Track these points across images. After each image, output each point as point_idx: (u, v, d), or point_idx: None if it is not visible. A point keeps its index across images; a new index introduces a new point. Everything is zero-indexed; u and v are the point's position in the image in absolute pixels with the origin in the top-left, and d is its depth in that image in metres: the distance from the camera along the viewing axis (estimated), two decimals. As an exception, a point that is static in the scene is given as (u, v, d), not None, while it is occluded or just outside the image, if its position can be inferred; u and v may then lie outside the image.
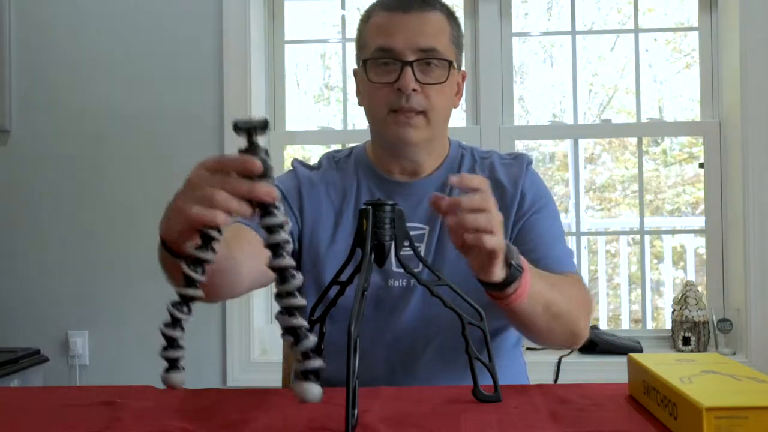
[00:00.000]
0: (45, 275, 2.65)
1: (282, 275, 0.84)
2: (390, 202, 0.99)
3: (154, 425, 0.93)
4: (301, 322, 0.84)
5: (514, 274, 1.05)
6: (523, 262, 1.08)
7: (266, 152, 0.85)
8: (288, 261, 0.84)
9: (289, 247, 0.85)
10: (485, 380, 1.02)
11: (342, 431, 0.87)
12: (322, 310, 1.06)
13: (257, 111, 2.67)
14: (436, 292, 1.01)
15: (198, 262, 0.86)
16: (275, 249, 0.84)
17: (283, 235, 0.85)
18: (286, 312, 0.84)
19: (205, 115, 2.63)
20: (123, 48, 2.66)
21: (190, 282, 0.86)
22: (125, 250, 2.63)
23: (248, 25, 2.62)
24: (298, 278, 0.84)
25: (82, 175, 2.66)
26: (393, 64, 1.30)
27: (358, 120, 2.86)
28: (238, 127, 0.84)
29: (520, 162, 1.39)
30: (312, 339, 0.83)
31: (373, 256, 0.98)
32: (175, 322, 0.85)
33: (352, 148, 1.47)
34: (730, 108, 2.61)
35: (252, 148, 0.85)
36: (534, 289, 1.09)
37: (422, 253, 1.27)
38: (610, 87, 4.74)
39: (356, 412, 0.87)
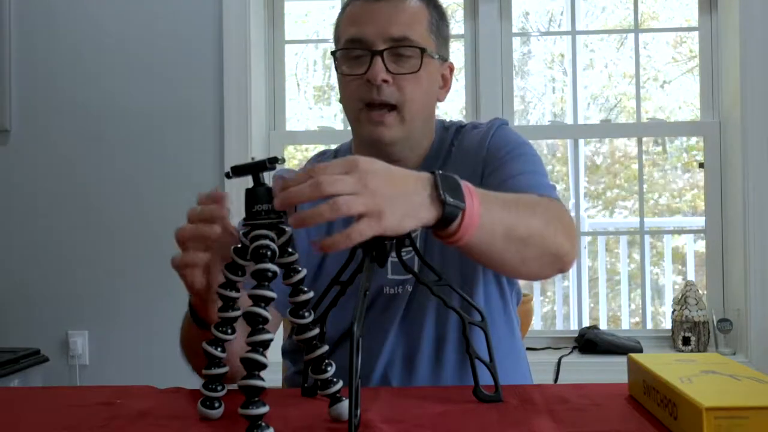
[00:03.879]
0: (45, 275, 2.65)
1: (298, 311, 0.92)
2: None
3: (154, 425, 0.93)
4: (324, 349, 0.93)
5: (451, 212, 0.89)
6: (470, 190, 0.93)
7: (268, 189, 0.89)
8: (306, 296, 0.91)
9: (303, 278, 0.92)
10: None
11: (344, 430, 0.87)
12: (323, 310, 1.06)
13: (257, 111, 2.67)
14: (437, 292, 1.00)
15: (217, 342, 0.93)
16: (296, 286, 0.91)
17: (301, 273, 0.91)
18: (306, 346, 0.93)
19: (205, 114, 2.63)
20: (123, 48, 2.66)
21: (213, 361, 0.93)
22: (125, 250, 2.63)
23: (248, 25, 2.62)
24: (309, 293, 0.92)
25: (82, 175, 2.66)
26: (364, 55, 1.25)
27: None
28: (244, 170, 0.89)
29: (490, 125, 1.34)
30: (333, 366, 0.93)
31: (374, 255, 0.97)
32: (211, 401, 0.94)
33: (338, 148, 1.43)
34: (730, 108, 2.61)
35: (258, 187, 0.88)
36: (486, 218, 0.93)
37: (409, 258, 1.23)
38: (611, 87, 4.73)
39: (359, 411, 0.87)
